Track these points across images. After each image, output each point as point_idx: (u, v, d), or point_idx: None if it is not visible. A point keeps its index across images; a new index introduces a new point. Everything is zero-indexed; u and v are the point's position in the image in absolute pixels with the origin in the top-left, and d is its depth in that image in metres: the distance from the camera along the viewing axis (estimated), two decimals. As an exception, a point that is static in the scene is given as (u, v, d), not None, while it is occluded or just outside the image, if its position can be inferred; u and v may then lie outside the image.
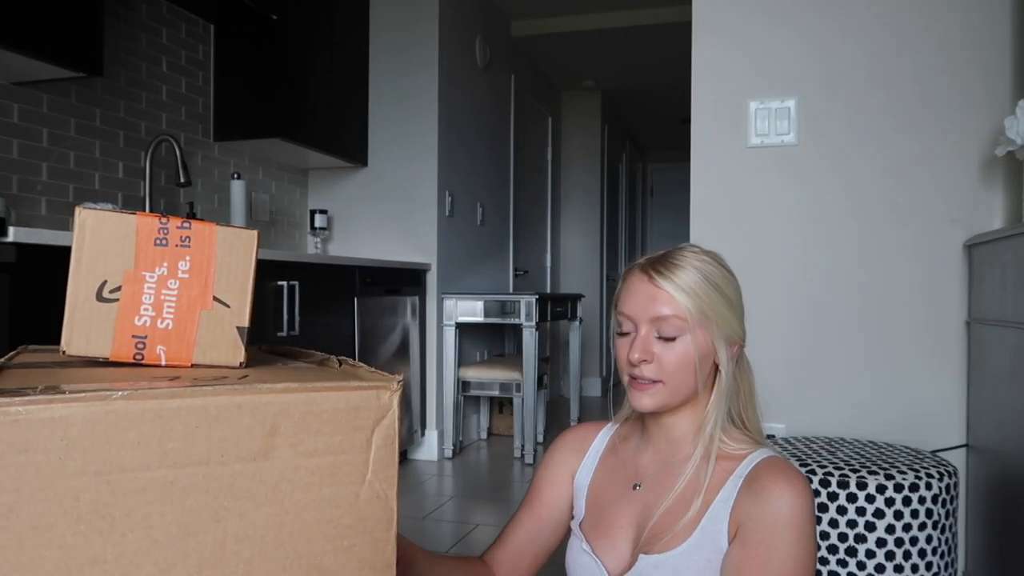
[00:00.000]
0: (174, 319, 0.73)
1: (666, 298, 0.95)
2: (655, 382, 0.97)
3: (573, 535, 1.08)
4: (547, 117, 5.65)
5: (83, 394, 0.52)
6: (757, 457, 0.97)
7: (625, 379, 1.00)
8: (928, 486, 1.50)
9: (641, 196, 7.95)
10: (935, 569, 1.52)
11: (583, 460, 1.13)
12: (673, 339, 0.96)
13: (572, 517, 1.11)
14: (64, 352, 0.72)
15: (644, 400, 0.97)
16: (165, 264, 0.73)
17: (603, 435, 1.14)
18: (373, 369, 0.69)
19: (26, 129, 2.32)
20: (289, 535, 0.59)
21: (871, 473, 1.51)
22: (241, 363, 0.75)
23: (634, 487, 1.04)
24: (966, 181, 1.95)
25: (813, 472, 1.54)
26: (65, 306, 0.72)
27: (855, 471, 1.53)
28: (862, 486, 1.49)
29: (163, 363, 0.73)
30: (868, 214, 2.01)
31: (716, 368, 1.00)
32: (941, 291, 1.95)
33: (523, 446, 3.68)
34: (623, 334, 1.00)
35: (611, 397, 1.09)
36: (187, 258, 0.73)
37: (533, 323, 3.65)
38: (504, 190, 4.70)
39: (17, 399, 0.50)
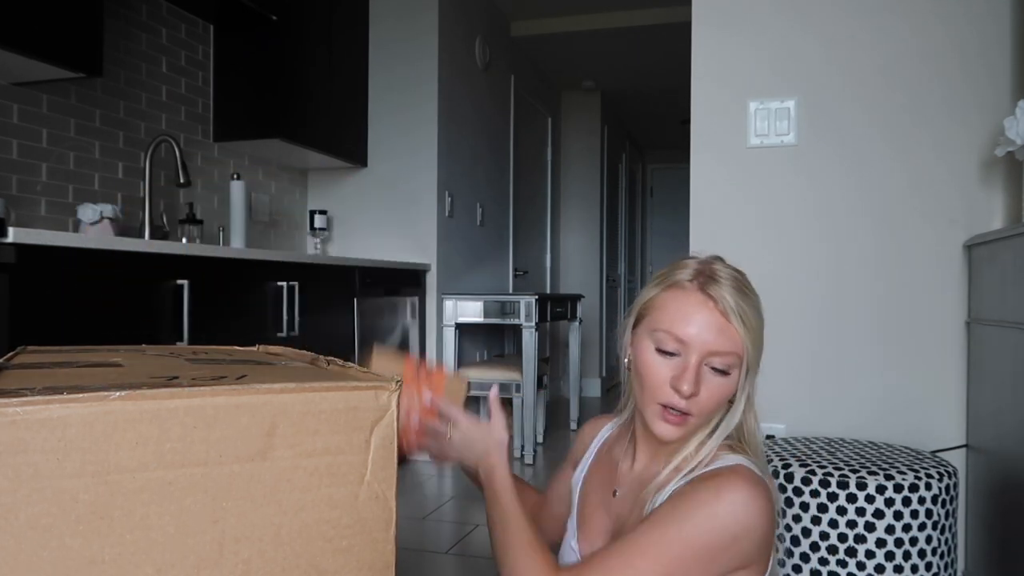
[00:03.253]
0: None
1: (732, 334, 0.90)
2: (687, 415, 0.91)
3: (567, 530, 1.08)
4: (547, 117, 5.65)
5: (81, 395, 0.52)
6: (728, 461, 0.92)
7: (653, 406, 0.93)
8: (928, 486, 1.50)
9: (641, 196, 7.94)
10: (935, 569, 1.51)
11: (582, 459, 1.12)
12: (725, 375, 0.91)
13: (569, 515, 1.11)
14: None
15: (671, 434, 0.92)
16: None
17: (605, 431, 1.13)
18: (364, 369, 0.69)
19: (26, 129, 2.32)
20: (287, 535, 0.59)
21: (871, 473, 1.51)
22: None
23: (614, 493, 1.03)
24: (966, 181, 1.94)
25: (813, 472, 1.54)
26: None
27: (855, 471, 1.52)
28: (862, 486, 1.49)
29: None
30: (868, 214, 2.00)
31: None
32: (941, 291, 1.95)
33: (523, 446, 3.68)
34: (665, 355, 0.92)
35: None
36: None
37: (533, 323, 3.65)
38: (504, 190, 4.70)
39: (15, 400, 0.50)
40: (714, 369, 0.90)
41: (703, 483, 0.88)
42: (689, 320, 0.90)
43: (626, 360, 1.00)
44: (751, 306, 0.92)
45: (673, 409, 0.91)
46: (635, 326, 0.98)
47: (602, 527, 1.02)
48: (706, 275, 0.93)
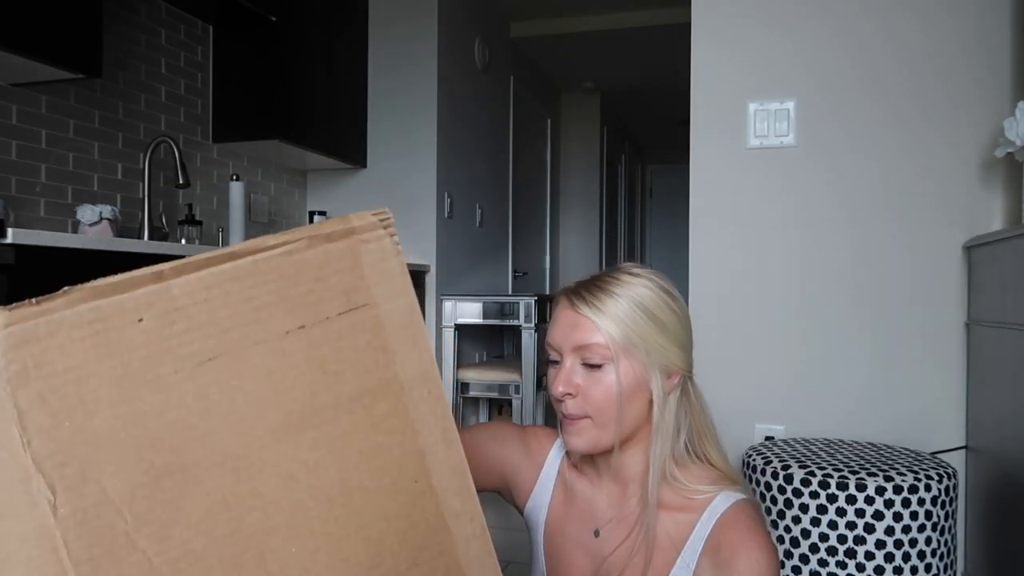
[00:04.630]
0: None
1: (588, 325, 0.89)
2: (582, 417, 0.90)
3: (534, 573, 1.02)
4: (546, 118, 5.64)
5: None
6: (720, 507, 0.89)
7: (559, 417, 0.93)
8: (927, 488, 1.49)
9: (640, 197, 7.94)
10: (934, 571, 1.51)
11: (535, 486, 1.03)
12: (598, 367, 0.89)
13: (532, 556, 1.04)
14: None
15: (574, 440, 0.91)
16: None
17: (555, 454, 1.05)
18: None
19: (25, 130, 2.32)
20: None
21: (870, 475, 1.51)
22: None
23: (595, 533, 0.96)
24: (965, 182, 1.94)
25: (812, 473, 1.54)
26: None
27: (854, 472, 1.52)
28: (861, 488, 1.49)
29: None
30: (868, 215, 2.00)
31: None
32: (940, 292, 1.95)
33: (522, 448, 3.67)
34: (551, 365, 0.94)
35: None
36: None
37: (532, 324, 3.65)
38: (503, 191, 4.70)
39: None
40: (588, 365, 0.90)
41: (723, 564, 0.85)
42: (556, 325, 0.93)
43: None
44: (621, 303, 0.89)
45: (567, 415, 0.91)
46: None
47: (582, 569, 0.97)
48: (581, 280, 0.95)
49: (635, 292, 0.91)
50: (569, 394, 0.90)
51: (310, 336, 0.56)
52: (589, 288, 0.92)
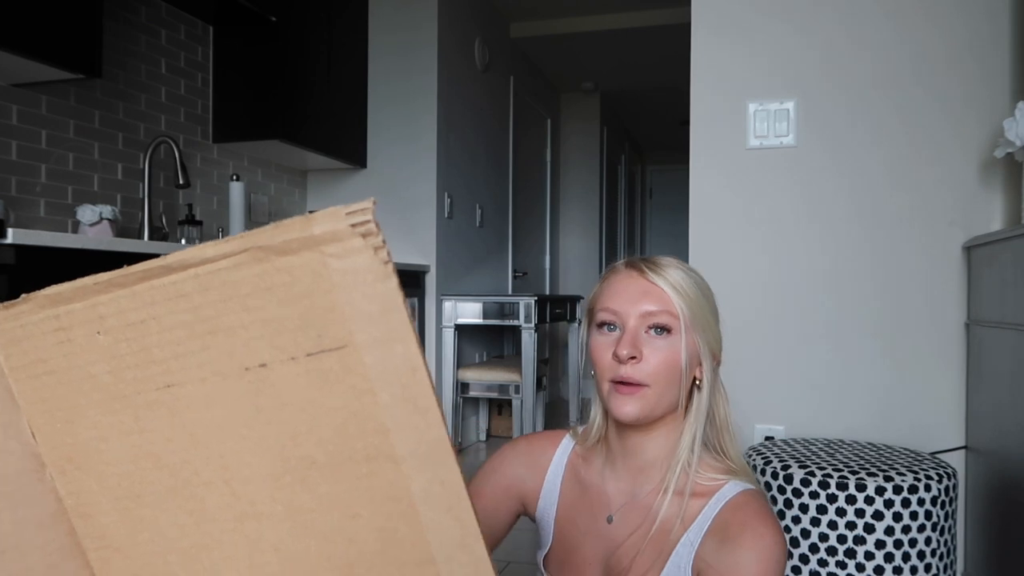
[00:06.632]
0: None
1: (659, 294, 0.91)
2: (640, 386, 0.90)
3: (538, 571, 1.03)
4: (546, 119, 5.64)
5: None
6: (729, 492, 0.91)
7: (605, 386, 0.93)
8: (927, 488, 1.50)
9: (640, 198, 7.94)
10: (934, 571, 1.51)
11: (542, 487, 1.04)
12: (666, 333, 0.90)
13: (538, 547, 1.04)
14: None
15: (628, 407, 0.90)
16: None
17: (561, 454, 1.05)
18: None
19: (25, 130, 2.32)
20: None
21: (870, 475, 1.51)
22: None
23: (608, 519, 0.97)
24: (965, 183, 1.95)
25: (812, 474, 1.54)
26: None
27: (854, 472, 1.52)
28: (861, 488, 1.49)
29: None
30: (867, 216, 2.01)
31: (693, 386, 0.95)
32: (940, 293, 1.95)
33: (522, 448, 3.67)
34: (605, 333, 0.94)
35: (578, 403, 1.01)
36: None
37: (532, 325, 3.65)
38: (503, 192, 4.70)
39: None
40: (655, 329, 0.91)
41: (730, 552, 0.85)
42: (620, 291, 0.94)
43: (583, 358, 1.00)
44: (684, 277, 0.94)
45: (624, 383, 0.91)
46: (589, 326, 1.00)
47: (593, 556, 0.97)
48: (637, 257, 0.98)
49: (692, 275, 0.95)
50: (634, 358, 0.89)
51: (274, 378, 0.43)
52: (655, 262, 0.95)
